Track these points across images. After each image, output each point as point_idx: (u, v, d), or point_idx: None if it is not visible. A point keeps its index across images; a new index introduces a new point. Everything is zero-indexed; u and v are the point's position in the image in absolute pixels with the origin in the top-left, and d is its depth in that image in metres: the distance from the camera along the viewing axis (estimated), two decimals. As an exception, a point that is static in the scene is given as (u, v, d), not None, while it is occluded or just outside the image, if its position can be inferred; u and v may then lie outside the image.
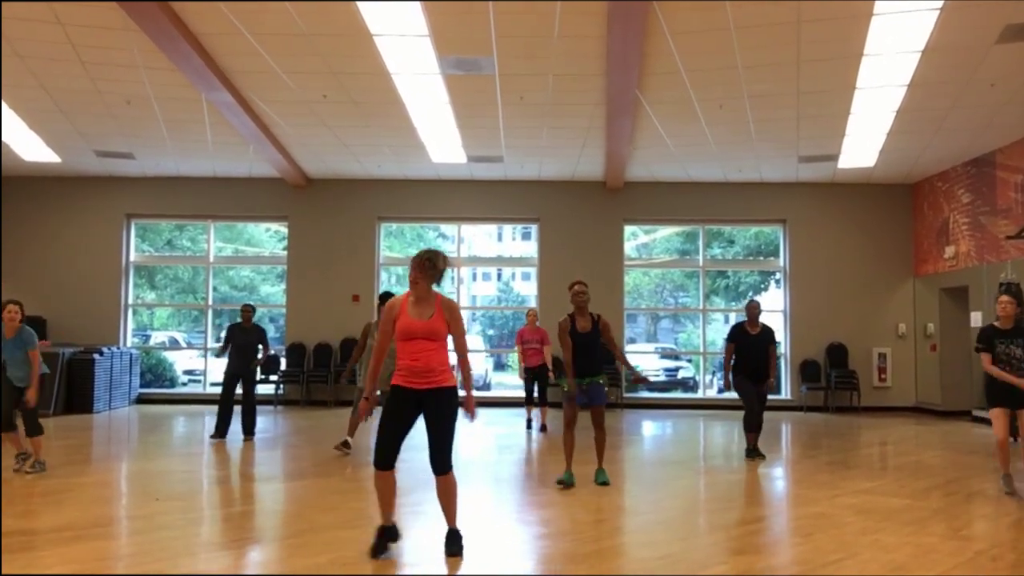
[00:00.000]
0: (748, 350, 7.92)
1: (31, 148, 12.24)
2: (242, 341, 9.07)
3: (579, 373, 6.47)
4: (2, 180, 13.40)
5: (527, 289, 17.76)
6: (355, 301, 13.48)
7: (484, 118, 10.85)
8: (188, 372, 15.21)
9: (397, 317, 4.43)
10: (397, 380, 4.42)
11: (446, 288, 15.08)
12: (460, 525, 4.55)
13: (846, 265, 13.55)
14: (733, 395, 8.29)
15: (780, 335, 13.23)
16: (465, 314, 19.07)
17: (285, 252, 14.10)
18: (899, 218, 13.64)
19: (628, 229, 14.31)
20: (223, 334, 9.36)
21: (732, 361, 7.99)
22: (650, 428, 11.08)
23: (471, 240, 16.49)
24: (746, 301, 8.44)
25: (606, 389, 6.73)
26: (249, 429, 9.11)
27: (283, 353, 13.54)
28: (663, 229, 15.72)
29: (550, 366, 10.32)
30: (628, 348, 14.21)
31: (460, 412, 4.50)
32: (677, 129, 11.08)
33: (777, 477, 7.39)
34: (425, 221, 15.27)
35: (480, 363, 16.19)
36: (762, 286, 16.19)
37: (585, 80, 9.65)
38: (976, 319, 11.43)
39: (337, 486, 6.67)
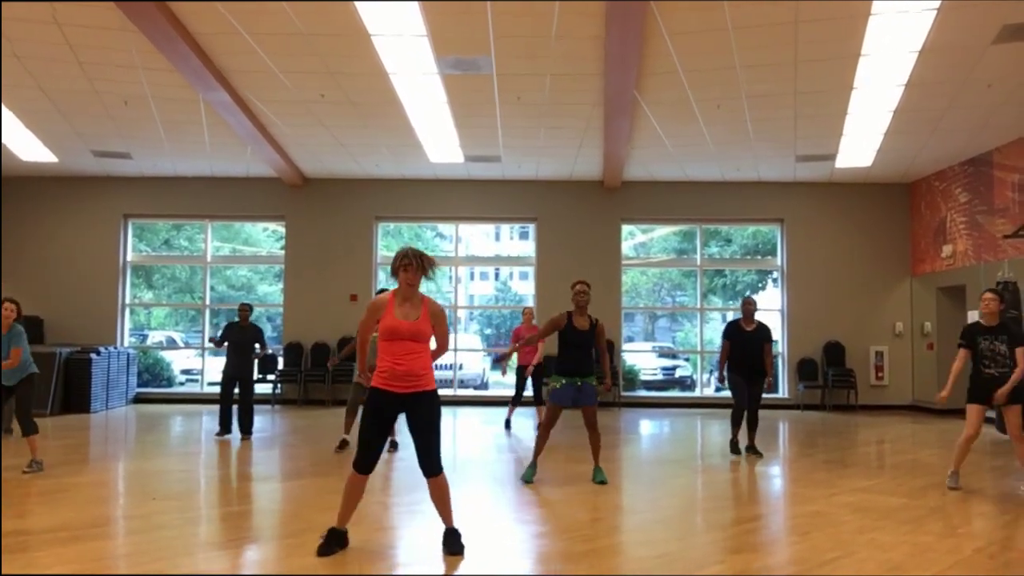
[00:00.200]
0: (743, 347, 8.06)
1: (29, 148, 12.23)
2: (239, 340, 9.08)
3: (572, 372, 6.50)
4: (0, 180, 13.43)
5: (525, 288, 17.79)
6: (352, 301, 13.48)
7: (482, 118, 10.85)
8: (185, 371, 15.20)
9: (383, 316, 4.40)
10: (378, 383, 4.38)
11: (445, 288, 15.26)
12: (458, 524, 4.56)
13: (843, 264, 13.57)
14: (730, 393, 8.35)
15: (777, 334, 13.25)
16: (463, 313, 19.10)
17: (282, 252, 14.08)
18: (896, 217, 13.66)
19: (626, 228, 14.31)
20: (219, 332, 9.37)
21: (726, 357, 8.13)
22: (647, 427, 11.08)
23: (469, 240, 16.52)
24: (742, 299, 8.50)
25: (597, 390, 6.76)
26: (246, 428, 9.13)
27: (280, 352, 13.53)
28: (661, 228, 15.74)
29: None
30: (626, 347, 14.22)
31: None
32: (675, 129, 11.09)
33: (774, 475, 7.40)
34: (423, 221, 15.27)
35: (477, 363, 16.19)
36: (759, 285, 16.22)
37: (583, 80, 9.66)
38: (973, 318, 11.38)
39: (334, 485, 6.62)
